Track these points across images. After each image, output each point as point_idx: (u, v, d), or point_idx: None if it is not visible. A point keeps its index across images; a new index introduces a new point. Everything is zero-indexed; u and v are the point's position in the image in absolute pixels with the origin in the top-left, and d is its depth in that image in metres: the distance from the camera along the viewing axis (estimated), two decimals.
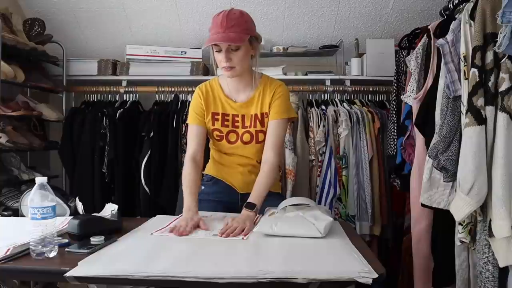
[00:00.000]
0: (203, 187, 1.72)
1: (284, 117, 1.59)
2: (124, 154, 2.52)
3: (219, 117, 1.62)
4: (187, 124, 2.47)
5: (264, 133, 1.61)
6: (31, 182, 2.03)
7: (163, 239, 1.22)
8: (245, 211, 1.42)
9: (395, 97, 2.23)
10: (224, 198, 1.68)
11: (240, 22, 1.48)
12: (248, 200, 1.46)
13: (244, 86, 1.63)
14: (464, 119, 1.46)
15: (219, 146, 1.67)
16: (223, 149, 1.67)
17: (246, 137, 1.61)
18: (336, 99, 2.65)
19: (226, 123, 1.62)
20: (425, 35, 1.89)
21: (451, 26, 1.62)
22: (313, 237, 1.20)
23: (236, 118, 1.62)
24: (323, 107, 2.59)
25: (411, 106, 1.94)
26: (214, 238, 1.22)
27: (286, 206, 1.41)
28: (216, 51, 1.52)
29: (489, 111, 1.41)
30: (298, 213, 1.31)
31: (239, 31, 1.47)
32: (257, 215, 1.44)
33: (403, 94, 1.97)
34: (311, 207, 1.39)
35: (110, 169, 2.50)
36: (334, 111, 2.51)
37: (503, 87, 1.38)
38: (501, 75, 1.39)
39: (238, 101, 1.63)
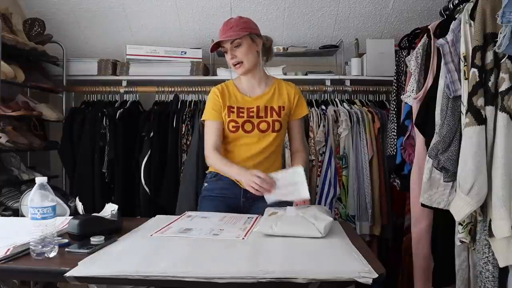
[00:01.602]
0: (206, 184, 1.76)
1: (305, 114, 1.79)
2: (124, 154, 2.52)
3: (235, 109, 1.71)
4: (187, 124, 2.51)
5: (280, 123, 1.71)
6: (31, 182, 2.04)
7: (163, 239, 1.22)
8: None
9: (395, 97, 2.23)
10: (227, 194, 1.71)
11: (237, 23, 1.65)
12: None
13: (258, 83, 1.75)
14: (464, 119, 1.46)
15: (234, 139, 1.71)
16: (239, 143, 1.70)
17: (263, 126, 1.70)
18: (336, 99, 2.65)
19: (241, 114, 1.71)
20: (425, 35, 1.89)
21: (451, 26, 1.62)
22: (313, 237, 1.20)
23: (251, 109, 1.71)
24: (323, 107, 2.59)
25: (411, 106, 1.94)
26: (214, 238, 1.23)
27: (286, 207, 1.41)
28: (226, 53, 1.68)
29: (489, 111, 1.41)
30: (298, 213, 1.31)
31: (237, 30, 1.63)
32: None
33: (403, 94, 1.97)
34: (311, 207, 1.39)
35: (110, 169, 2.50)
36: (334, 111, 2.52)
37: (503, 87, 1.38)
38: (501, 75, 1.39)
39: (252, 96, 1.74)
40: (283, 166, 2.39)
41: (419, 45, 1.91)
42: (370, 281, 0.90)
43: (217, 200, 1.70)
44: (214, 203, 1.68)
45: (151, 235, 1.25)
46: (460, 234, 1.53)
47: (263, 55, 1.75)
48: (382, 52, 2.62)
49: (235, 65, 1.67)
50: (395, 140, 2.15)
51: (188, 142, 2.50)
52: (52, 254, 1.05)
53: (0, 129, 2.21)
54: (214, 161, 1.66)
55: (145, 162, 2.47)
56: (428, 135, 1.75)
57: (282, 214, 1.34)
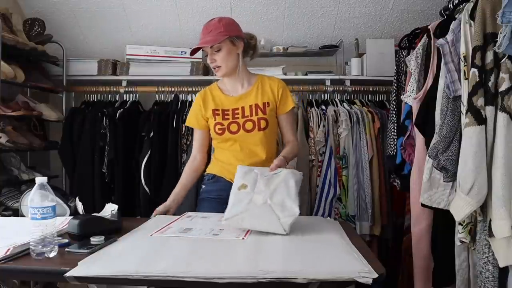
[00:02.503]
0: (204, 186, 1.76)
1: (292, 106, 1.75)
2: (124, 154, 2.52)
3: (219, 112, 1.71)
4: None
5: (266, 120, 1.69)
6: (31, 182, 2.04)
7: (163, 239, 1.22)
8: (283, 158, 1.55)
9: (395, 97, 2.23)
10: (224, 195, 1.68)
11: (216, 26, 1.63)
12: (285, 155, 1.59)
13: (241, 83, 1.75)
14: (464, 119, 1.46)
15: (222, 141, 1.72)
16: (226, 144, 1.71)
17: (248, 125, 1.68)
18: (336, 99, 2.65)
19: (226, 116, 1.71)
20: (425, 35, 1.89)
21: (451, 26, 1.62)
22: (278, 233, 1.23)
23: (236, 111, 1.70)
24: (323, 107, 2.59)
25: (411, 106, 1.94)
26: (214, 238, 1.23)
27: (257, 179, 1.39)
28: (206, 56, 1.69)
29: (489, 111, 1.41)
30: (267, 200, 1.30)
31: (215, 34, 1.62)
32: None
33: (403, 94, 1.97)
34: (281, 175, 1.39)
35: (110, 169, 2.50)
36: (334, 111, 2.51)
37: (503, 87, 1.38)
38: (501, 75, 1.40)
39: (235, 96, 1.74)
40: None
41: (419, 45, 1.91)
42: (370, 281, 0.90)
43: (214, 201, 1.70)
44: (212, 204, 1.69)
45: (151, 235, 1.25)
46: (460, 234, 1.53)
47: (248, 53, 1.76)
48: (382, 52, 2.61)
49: (215, 68, 1.69)
50: (395, 140, 2.15)
51: (188, 142, 2.50)
52: (52, 254, 1.05)
53: (0, 129, 2.21)
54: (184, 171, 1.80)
55: (145, 162, 2.47)
56: (428, 135, 1.75)
57: (251, 197, 1.32)
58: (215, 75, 1.73)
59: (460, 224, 1.53)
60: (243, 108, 1.70)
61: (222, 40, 1.62)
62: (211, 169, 1.78)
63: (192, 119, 1.79)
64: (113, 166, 2.50)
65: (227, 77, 1.74)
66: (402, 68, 2.22)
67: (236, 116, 1.69)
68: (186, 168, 1.80)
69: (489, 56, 1.42)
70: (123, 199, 2.46)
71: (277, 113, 1.74)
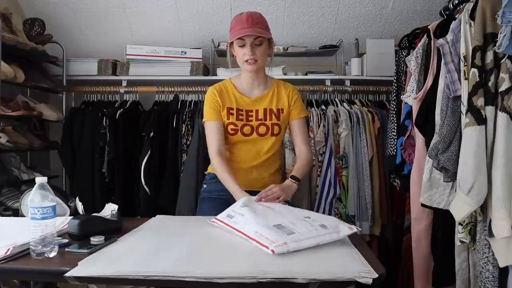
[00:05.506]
0: (205, 186, 1.76)
1: (305, 115, 1.76)
2: (124, 154, 2.52)
3: (234, 111, 1.69)
4: (187, 124, 2.51)
5: (279, 126, 1.69)
6: (31, 182, 2.03)
7: (163, 239, 1.21)
8: (289, 181, 1.55)
9: (395, 97, 2.23)
10: (226, 196, 1.68)
11: (262, 20, 1.64)
12: (294, 174, 1.58)
13: (258, 84, 1.73)
14: (464, 119, 1.46)
15: (232, 141, 1.70)
16: (237, 145, 1.70)
17: (262, 129, 1.68)
18: (336, 99, 2.65)
19: (240, 117, 1.69)
20: (425, 35, 1.89)
21: (451, 26, 1.62)
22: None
23: (250, 113, 1.69)
24: (323, 107, 2.59)
25: (411, 106, 1.93)
26: (215, 238, 1.22)
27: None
28: (240, 46, 1.62)
29: (489, 111, 1.41)
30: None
31: (263, 28, 1.62)
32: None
33: (403, 94, 1.97)
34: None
35: (110, 169, 2.50)
36: (334, 111, 2.52)
37: (503, 87, 1.38)
38: (501, 75, 1.39)
39: (251, 97, 1.72)
40: (284, 167, 2.40)
41: (419, 45, 1.91)
42: (370, 281, 0.90)
43: (216, 201, 1.69)
44: (213, 204, 1.68)
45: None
46: (460, 234, 1.53)
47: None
48: (382, 52, 2.62)
49: (248, 61, 1.61)
50: (395, 140, 2.15)
51: (188, 142, 2.50)
52: (52, 254, 1.05)
53: (0, 129, 2.21)
54: (216, 168, 1.63)
55: (145, 162, 2.47)
56: (428, 135, 1.75)
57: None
58: (246, 69, 1.65)
59: (460, 224, 1.53)
60: (257, 111, 1.69)
61: (269, 36, 1.64)
62: (213, 169, 1.77)
63: (210, 113, 1.68)
64: (113, 166, 2.50)
65: (251, 74, 1.69)
66: (402, 68, 2.22)
67: (250, 118, 1.69)
68: (223, 167, 1.60)
69: (489, 56, 1.42)
70: (123, 199, 2.46)
71: (289, 119, 1.73)
